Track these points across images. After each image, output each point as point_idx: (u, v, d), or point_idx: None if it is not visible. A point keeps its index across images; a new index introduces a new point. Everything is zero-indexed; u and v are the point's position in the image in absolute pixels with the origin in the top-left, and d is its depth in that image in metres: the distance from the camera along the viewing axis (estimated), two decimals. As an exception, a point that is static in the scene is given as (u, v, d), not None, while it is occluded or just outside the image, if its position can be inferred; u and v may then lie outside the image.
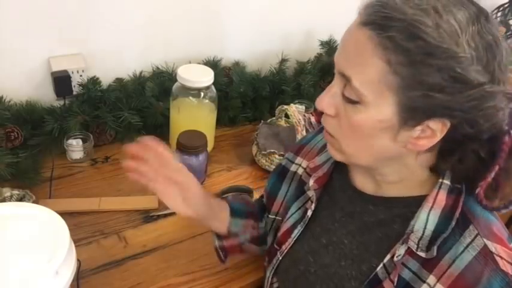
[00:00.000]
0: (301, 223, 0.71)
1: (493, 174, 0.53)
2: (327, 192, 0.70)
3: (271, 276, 0.77)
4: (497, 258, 0.53)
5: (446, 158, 0.56)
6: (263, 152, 1.15)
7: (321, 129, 0.79)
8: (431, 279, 0.55)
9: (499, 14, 1.86)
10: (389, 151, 0.56)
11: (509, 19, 1.84)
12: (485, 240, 0.54)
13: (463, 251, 0.54)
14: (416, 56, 0.48)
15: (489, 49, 0.48)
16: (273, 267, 0.76)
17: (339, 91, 0.55)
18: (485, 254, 0.53)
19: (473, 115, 0.50)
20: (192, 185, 0.69)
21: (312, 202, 0.70)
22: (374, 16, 0.50)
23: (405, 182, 0.60)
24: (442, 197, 0.57)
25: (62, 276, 0.63)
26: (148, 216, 1.00)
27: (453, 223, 0.55)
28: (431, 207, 0.57)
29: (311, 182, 0.70)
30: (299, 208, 0.73)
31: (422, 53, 0.47)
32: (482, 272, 0.52)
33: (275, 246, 0.76)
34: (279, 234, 0.75)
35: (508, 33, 1.81)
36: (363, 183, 0.65)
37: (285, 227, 0.74)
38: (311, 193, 0.70)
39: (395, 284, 0.57)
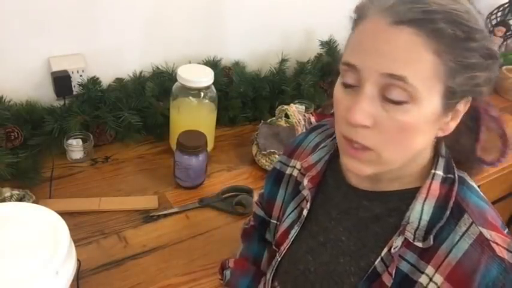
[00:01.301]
0: (298, 223, 0.71)
1: (482, 136, 0.59)
2: (322, 191, 0.70)
3: (271, 279, 0.77)
4: (493, 245, 0.53)
5: (447, 137, 0.58)
6: (263, 152, 1.15)
7: (312, 129, 0.78)
8: (429, 269, 0.55)
9: (499, 14, 1.86)
10: (424, 145, 0.56)
11: (509, 19, 1.84)
12: (480, 228, 0.54)
13: (459, 240, 0.54)
14: (462, 42, 0.50)
15: (486, 27, 0.54)
16: (272, 269, 0.76)
17: (376, 97, 0.52)
18: (481, 242, 0.54)
19: (490, 87, 0.55)
20: None
21: (307, 201, 0.70)
22: (412, 12, 0.49)
23: (406, 177, 0.60)
24: (435, 187, 0.58)
25: (62, 276, 0.64)
26: (148, 216, 1.00)
27: (448, 212, 0.56)
28: (426, 197, 0.57)
29: (305, 182, 0.70)
30: (295, 208, 0.73)
31: (466, 37, 0.50)
32: (480, 259, 0.53)
33: (274, 247, 0.76)
34: (277, 235, 0.75)
35: (508, 33, 1.81)
36: (357, 179, 0.65)
37: (282, 228, 0.74)
38: (306, 192, 0.70)
39: (393, 276, 0.57)
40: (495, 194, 1.55)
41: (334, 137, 0.70)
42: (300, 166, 0.74)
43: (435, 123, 0.54)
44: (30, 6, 1.01)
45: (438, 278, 0.55)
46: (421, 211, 0.57)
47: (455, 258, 0.54)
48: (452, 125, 0.56)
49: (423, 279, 0.56)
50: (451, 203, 0.56)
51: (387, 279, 0.58)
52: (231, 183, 1.12)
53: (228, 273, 0.84)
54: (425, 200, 0.57)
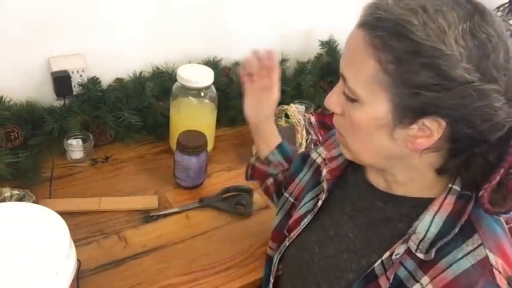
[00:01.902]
0: (312, 212, 0.72)
1: (498, 177, 0.52)
2: (341, 186, 0.71)
3: (277, 263, 0.78)
4: (495, 272, 0.52)
5: (452, 159, 0.56)
6: (263, 152, 1.15)
7: None
8: (425, 279, 0.55)
9: (499, 14, 1.86)
10: (390, 150, 0.56)
11: (509, 19, 1.84)
12: (487, 251, 0.53)
13: (461, 257, 0.53)
14: (403, 55, 0.49)
15: (482, 47, 0.48)
16: (280, 253, 0.77)
17: (342, 90, 0.58)
18: (484, 265, 0.52)
19: (466, 114, 0.49)
20: (273, 97, 0.88)
21: (323, 192, 0.71)
22: (368, 17, 0.52)
23: (414, 182, 0.60)
24: (449, 202, 0.56)
25: (62, 276, 0.63)
26: (148, 216, 1.00)
27: (456, 229, 0.54)
28: (437, 211, 0.56)
29: (324, 172, 0.72)
30: (312, 198, 0.75)
31: (409, 51, 0.48)
32: (477, 281, 0.52)
33: (285, 232, 0.77)
34: (291, 221, 0.76)
35: (508, 33, 1.81)
36: (375, 179, 0.66)
37: (296, 214, 0.75)
38: (325, 184, 0.71)
39: (390, 281, 0.57)
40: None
41: None
42: (325, 156, 0.76)
43: (386, 130, 0.54)
44: (30, 7, 1.01)
45: (428, 286, 0.54)
46: (430, 223, 0.56)
47: (452, 274, 0.53)
48: (423, 142, 0.53)
49: (416, 285, 0.55)
50: (462, 221, 0.55)
51: (384, 283, 0.58)
52: (231, 183, 1.12)
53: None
54: (436, 213, 0.56)
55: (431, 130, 0.52)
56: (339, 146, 0.73)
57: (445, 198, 0.57)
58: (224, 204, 1.05)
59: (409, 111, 0.52)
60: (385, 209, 0.63)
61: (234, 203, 1.05)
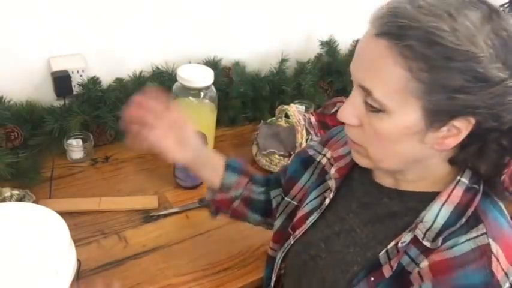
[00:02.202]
0: (318, 210, 0.72)
1: None
2: (346, 184, 0.71)
3: (280, 261, 0.78)
4: (493, 259, 0.53)
5: (466, 149, 0.57)
6: (263, 152, 1.15)
7: None
8: (424, 262, 0.56)
9: (499, 14, 1.86)
10: (417, 154, 0.57)
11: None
12: (490, 240, 0.54)
13: (463, 242, 0.54)
14: (436, 62, 0.49)
15: (505, 45, 0.50)
16: (283, 251, 0.77)
17: (361, 101, 0.55)
18: (484, 250, 0.53)
19: (497, 110, 0.51)
20: (188, 128, 0.75)
21: (330, 191, 0.71)
22: (389, 26, 0.50)
23: (424, 180, 0.61)
24: (457, 194, 0.57)
25: (62, 276, 0.64)
26: (148, 216, 1.00)
27: (463, 220, 0.55)
28: (445, 201, 0.57)
29: (332, 171, 0.72)
30: (317, 196, 0.75)
31: (442, 57, 0.48)
32: (472, 262, 0.53)
33: (289, 230, 0.77)
34: (295, 219, 0.76)
35: None
36: (382, 177, 0.66)
37: (301, 213, 0.75)
38: (332, 183, 0.71)
39: (394, 269, 0.58)
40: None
41: None
42: (330, 156, 0.76)
43: (418, 136, 0.54)
44: (30, 7, 1.01)
45: (424, 262, 0.55)
46: (437, 213, 0.57)
47: (451, 254, 0.54)
48: (451, 142, 0.54)
49: (415, 268, 0.56)
50: (469, 212, 0.56)
51: (387, 271, 0.59)
52: (231, 183, 1.12)
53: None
54: (444, 203, 0.57)
55: (460, 129, 0.53)
56: (344, 145, 0.73)
57: (453, 190, 0.58)
58: (224, 204, 1.05)
59: (442, 115, 0.52)
60: (391, 204, 0.64)
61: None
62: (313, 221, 0.72)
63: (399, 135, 0.54)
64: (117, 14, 1.13)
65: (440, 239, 0.55)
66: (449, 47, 0.48)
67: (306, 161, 0.81)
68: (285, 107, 1.19)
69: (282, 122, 1.28)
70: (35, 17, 1.03)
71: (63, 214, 0.71)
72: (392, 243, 0.59)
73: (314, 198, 0.75)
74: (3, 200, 0.93)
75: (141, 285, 0.86)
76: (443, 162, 0.59)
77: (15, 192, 0.95)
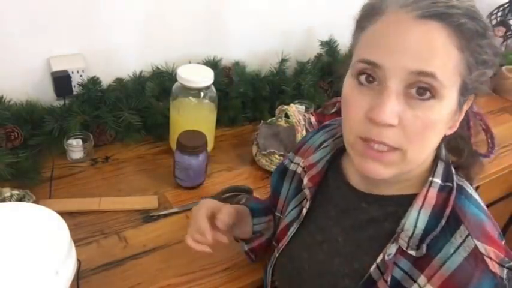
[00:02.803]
0: (297, 221, 0.71)
1: (472, 132, 0.62)
2: (322, 190, 0.70)
3: (270, 274, 0.78)
4: (487, 260, 0.53)
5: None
6: (263, 152, 1.15)
7: (321, 128, 0.79)
8: (422, 279, 0.55)
9: (499, 13, 1.86)
10: (438, 142, 0.56)
11: (509, 19, 1.83)
12: (475, 241, 0.54)
13: (454, 252, 0.54)
14: (479, 38, 0.51)
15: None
16: (271, 265, 0.77)
17: (401, 94, 0.51)
18: (476, 256, 0.53)
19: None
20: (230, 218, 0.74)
21: (307, 200, 0.70)
22: (436, 7, 0.49)
23: (404, 181, 0.60)
24: (432, 195, 0.57)
25: (62, 276, 0.63)
26: (148, 216, 1.00)
27: (443, 221, 0.55)
28: (422, 205, 0.57)
29: (305, 181, 0.70)
30: (296, 206, 0.74)
31: (482, 34, 0.51)
32: (473, 273, 0.53)
33: (274, 243, 0.77)
34: (277, 231, 0.76)
35: (508, 33, 1.81)
36: (357, 181, 0.65)
37: (282, 224, 0.75)
38: (307, 191, 0.71)
39: (388, 283, 0.57)
40: (495, 194, 1.55)
41: (337, 137, 0.70)
42: (303, 164, 0.74)
43: (450, 121, 0.55)
44: (30, 6, 1.01)
45: (424, 282, 0.55)
46: (416, 219, 0.56)
47: (448, 271, 0.54)
48: (458, 123, 0.57)
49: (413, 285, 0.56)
50: (447, 212, 0.56)
51: (383, 287, 0.58)
52: (231, 183, 1.12)
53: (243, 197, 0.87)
54: (421, 208, 0.57)
55: (463, 109, 0.55)
56: (315, 152, 0.72)
57: (427, 192, 0.57)
58: (224, 204, 1.05)
59: (468, 93, 0.54)
60: (369, 210, 0.63)
61: (234, 203, 1.05)
62: (294, 231, 0.71)
63: (444, 122, 0.53)
64: (117, 14, 1.13)
65: (424, 246, 0.55)
66: (485, 24, 0.51)
67: (283, 172, 0.80)
68: (285, 107, 1.19)
69: (282, 122, 1.28)
70: (35, 17, 1.03)
71: (63, 214, 0.70)
72: (381, 256, 0.59)
73: (293, 209, 0.74)
74: (3, 200, 0.93)
75: (141, 285, 0.86)
76: (430, 156, 0.60)
77: (15, 192, 0.95)
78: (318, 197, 0.70)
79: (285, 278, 0.74)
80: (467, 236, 0.54)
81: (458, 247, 0.54)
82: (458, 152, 0.63)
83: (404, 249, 0.56)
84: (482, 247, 0.54)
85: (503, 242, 0.57)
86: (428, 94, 0.50)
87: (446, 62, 0.49)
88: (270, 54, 1.39)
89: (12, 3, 0.99)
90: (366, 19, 0.54)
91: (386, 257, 0.57)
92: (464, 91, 0.53)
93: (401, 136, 0.51)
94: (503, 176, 1.36)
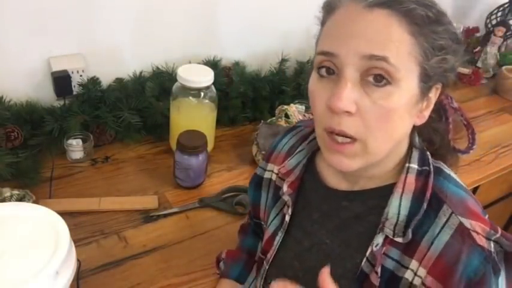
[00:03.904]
0: (281, 229, 0.70)
1: (451, 128, 0.62)
2: (301, 195, 0.69)
3: (261, 286, 0.76)
4: (473, 234, 0.54)
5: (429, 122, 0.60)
6: (263, 152, 1.15)
7: (287, 132, 0.78)
8: (413, 263, 0.56)
9: (499, 14, 1.86)
10: (404, 132, 0.57)
11: (509, 19, 1.83)
12: (460, 217, 0.54)
13: (439, 232, 0.55)
14: (433, 24, 0.51)
15: None
16: (261, 278, 0.75)
17: (357, 82, 0.51)
18: (462, 232, 0.54)
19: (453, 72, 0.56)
20: None
21: (288, 207, 0.69)
22: None
23: (382, 174, 0.60)
24: (411, 181, 0.58)
25: (62, 276, 0.64)
26: (148, 216, 1.00)
27: (425, 205, 0.56)
28: (402, 192, 0.57)
29: (285, 188, 0.69)
30: (277, 214, 0.73)
31: (436, 20, 0.51)
32: (461, 249, 0.53)
33: (261, 255, 0.75)
34: (263, 242, 0.75)
35: (508, 33, 1.81)
36: (334, 181, 0.65)
37: (266, 234, 0.74)
38: (286, 198, 0.69)
39: (379, 275, 0.57)
40: (495, 194, 1.55)
41: (311, 140, 0.70)
42: (278, 170, 0.73)
43: (413, 109, 0.54)
44: (30, 6, 1.01)
45: (422, 272, 0.55)
46: (398, 206, 0.57)
47: (437, 250, 0.54)
48: (426, 114, 0.57)
49: (408, 275, 0.56)
50: (427, 195, 0.56)
51: (374, 279, 0.58)
52: (231, 183, 1.12)
53: (222, 264, 0.85)
54: (402, 194, 0.57)
55: (430, 98, 0.56)
56: (287, 157, 0.71)
57: (405, 179, 0.58)
58: (224, 204, 1.05)
59: (430, 80, 0.53)
60: (352, 207, 0.63)
61: (233, 203, 1.05)
62: (280, 241, 0.70)
63: (405, 109, 0.53)
64: (117, 14, 1.13)
65: (409, 231, 0.55)
66: (438, 10, 0.52)
67: (257, 182, 0.79)
68: (285, 107, 1.19)
69: (282, 122, 1.28)
70: (35, 17, 1.03)
71: (63, 214, 0.71)
72: (369, 249, 0.59)
73: (275, 217, 0.73)
74: (3, 200, 0.93)
75: (141, 285, 0.86)
76: (405, 142, 0.60)
77: (15, 192, 0.95)
78: (298, 203, 0.70)
79: None
80: (451, 214, 0.55)
81: (443, 226, 0.55)
82: (431, 143, 0.63)
83: (391, 237, 0.56)
84: (467, 222, 0.54)
85: (487, 217, 0.57)
86: (384, 81, 0.50)
87: (398, 46, 0.50)
88: (270, 54, 1.39)
89: (12, 3, 0.99)
90: (324, 15, 0.57)
91: (374, 248, 0.57)
92: (426, 78, 0.53)
93: (361, 125, 0.52)
94: (503, 176, 1.37)
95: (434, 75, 0.53)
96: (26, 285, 0.60)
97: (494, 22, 1.86)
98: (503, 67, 1.72)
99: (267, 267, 0.73)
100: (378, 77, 0.51)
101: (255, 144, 1.20)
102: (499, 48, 1.83)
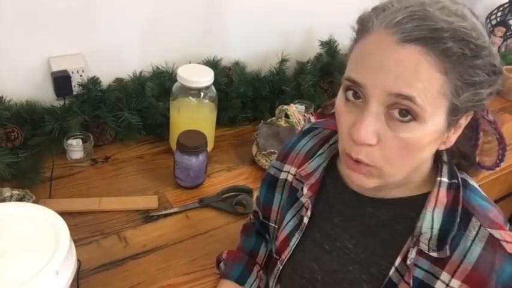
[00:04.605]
0: (298, 231, 0.70)
1: (480, 142, 0.60)
2: (321, 198, 0.69)
3: (274, 286, 0.76)
4: (504, 244, 0.55)
5: (459, 141, 0.58)
6: (263, 152, 1.15)
7: (304, 133, 0.76)
8: (444, 275, 0.56)
9: (499, 14, 1.86)
10: (427, 157, 0.56)
11: (509, 19, 1.84)
12: (488, 229, 0.55)
13: (471, 245, 0.55)
14: (469, 60, 0.49)
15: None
16: (274, 277, 0.75)
17: (381, 114, 0.51)
18: (493, 243, 0.55)
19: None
20: None
21: (307, 209, 0.69)
22: (419, 30, 0.48)
23: (409, 184, 0.60)
24: (443, 195, 0.58)
25: (62, 276, 0.64)
26: (148, 216, 1.00)
27: (458, 219, 0.56)
28: (435, 206, 0.57)
29: (305, 190, 0.69)
30: (294, 216, 0.72)
31: (473, 55, 0.49)
32: (494, 260, 0.54)
33: (275, 256, 0.75)
34: (277, 243, 0.75)
35: (508, 33, 1.81)
36: (359, 186, 0.64)
37: (282, 235, 0.73)
38: (304, 200, 0.69)
39: (411, 285, 0.57)
40: (495, 194, 1.55)
41: (332, 143, 0.70)
42: (295, 172, 0.73)
43: (438, 139, 0.54)
44: (30, 6, 1.01)
45: (455, 283, 0.55)
46: (431, 220, 0.57)
47: (470, 264, 0.55)
48: (454, 138, 0.56)
49: (439, 285, 0.56)
50: (459, 209, 0.57)
51: None
52: (231, 183, 1.12)
53: (222, 264, 0.85)
54: (434, 208, 0.57)
55: (461, 125, 0.55)
56: (308, 159, 0.71)
57: (438, 192, 0.58)
58: (224, 204, 1.05)
59: (460, 112, 0.52)
60: (378, 214, 0.63)
61: (233, 203, 1.05)
62: (296, 242, 0.70)
63: (428, 142, 0.52)
64: (117, 14, 1.13)
65: (446, 247, 0.55)
66: (478, 45, 0.49)
67: (271, 182, 0.78)
68: (285, 107, 1.19)
69: (282, 122, 1.28)
70: (35, 17, 1.03)
71: (63, 214, 0.71)
72: (399, 259, 0.59)
73: (291, 219, 0.72)
74: (3, 200, 0.93)
75: (141, 285, 0.86)
76: (430, 163, 0.60)
77: (15, 192, 0.95)
78: (318, 205, 0.69)
79: None
80: (480, 227, 0.56)
81: (474, 238, 0.55)
82: (459, 160, 0.62)
83: (426, 252, 0.57)
84: (496, 233, 0.55)
85: (508, 226, 0.58)
86: (409, 116, 0.50)
87: (427, 86, 0.49)
88: (270, 54, 1.39)
89: (12, 3, 0.99)
90: (358, 32, 0.55)
91: (408, 261, 0.58)
92: (455, 112, 0.52)
93: (380, 155, 0.52)
94: (503, 176, 1.37)
95: (465, 108, 0.52)
96: (26, 285, 0.60)
97: (494, 22, 1.86)
98: (504, 67, 1.72)
99: (280, 267, 0.73)
100: (403, 111, 0.50)
101: (255, 144, 1.20)
102: (499, 48, 1.83)
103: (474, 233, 0.55)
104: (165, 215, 1.01)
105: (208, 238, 0.98)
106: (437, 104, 0.50)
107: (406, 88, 0.49)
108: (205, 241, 0.97)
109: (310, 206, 0.69)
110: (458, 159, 0.62)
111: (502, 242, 0.55)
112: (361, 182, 0.56)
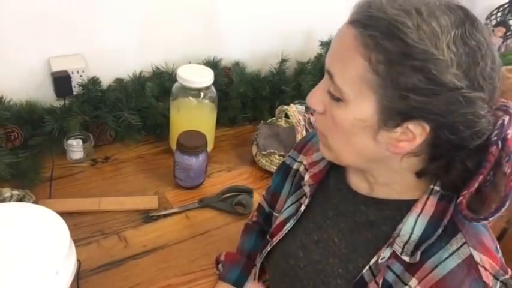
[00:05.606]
0: (294, 217, 0.71)
1: (476, 184, 0.52)
2: (322, 190, 0.70)
3: (259, 267, 0.78)
4: (481, 269, 0.53)
5: (432, 164, 0.55)
6: (263, 152, 1.15)
7: None
8: (413, 281, 0.55)
9: (499, 14, 1.86)
10: (371, 151, 0.56)
11: (509, 19, 1.84)
12: (471, 249, 0.54)
13: (447, 257, 0.54)
14: (394, 56, 0.48)
15: (471, 55, 0.48)
16: (261, 257, 0.77)
17: (326, 88, 0.56)
18: (469, 263, 0.53)
19: (451, 120, 0.49)
20: None
21: (306, 197, 0.70)
22: (360, 15, 0.51)
23: (395, 185, 0.60)
24: (432, 203, 0.57)
25: (62, 276, 0.64)
26: (148, 216, 1.00)
27: (440, 230, 0.55)
28: (420, 212, 0.57)
29: (306, 177, 0.71)
30: (294, 202, 0.74)
31: (400, 53, 0.47)
32: (464, 280, 0.52)
33: (268, 238, 0.76)
34: (273, 226, 0.76)
35: (508, 33, 1.81)
36: (357, 183, 0.65)
37: (279, 219, 0.75)
38: (307, 189, 0.70)
39: (379, 286, 0.57)
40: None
41: None
42: (306, 162, 0.74)
43: (370, 132, 0.53)
44: (30, 7, 1.01)
45: (414, 283, 0.55)
46: (413, 225, 0.56)
47: (439, 274, 0.53)
48: (405, 146, 0.53)
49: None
50: (445, 222, 0.55)
51: None
52: (231, 183, 1.12)
53: (221, 266, 0.85)
54: (419, 215, 0.57)
55: (414, 134, 0.52)
56: (318, 151, 0.72)
57: (427, 200, 0.57)
58: (224, 204, 1.05)
59: (395, 114, 0.51)
60: (367, 213, 0.63)
61: (233, 203, 1.05)
62: (289, 227, 0.71)
63: (352, 127, 0.54)
64: (117, 14, 1.13)
65: (418, 253, 0.55)
66: (409, 44, 0.47)
67: (285, 171, 0.79)
68: (285, 107, 1.19)
69: (282, 122, 1.28)
70: (35, 17, 1.03)
71: (63, 214, 0.71)
72: (374, 259, 0.59)
73: (291, 205, 0.74)
74: (3, 200, 0.93)
75: (141, 285, 0.86)
76: (409, 173, 0.58)
77: (15, 192, 0.95)
78: (318, 196, 0.71)
79: (278, 273, 0.74)
80: (463, 244, 0.54)
81: (453, 253, 0.54)
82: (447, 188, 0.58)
83: (398, 254, 0.56)
84: (477, 256, 0.53)
85: (500, 255, 0.56)
86: (337, 95, 0.54)
87: (348, 68, 0.51)
88: (270, 55, 1.39)
89: (12, 3, 0.99)
90: None
91: (380, 260, 0.58)
92: (387, 110, 0.50)
93: (324, 123, 0.59)
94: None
95: (401, 110, 0.50)
96: (26, 285, 0.60)
97: (494, 22, 1.86)
98: (504, 67, 1.72)
99: (268, 249, 0.74)
100: (331, 89, 0.55)
101: (255, 144, 1.20)
102: (499, 48, 1.83)
103: (455, 247, 0.54)
104: (165, 215, 1.01)
105: (208, 238, 0.98)
106: (360, 90, 0.51)
107: (332, 66, 0.54)
108: (205, 241, 0.97)
109: (309, 194, 0.70)
110: (445, 186, 0.57)
111: (480, 267, 0.52)
112: (321, 149, 0.63)
